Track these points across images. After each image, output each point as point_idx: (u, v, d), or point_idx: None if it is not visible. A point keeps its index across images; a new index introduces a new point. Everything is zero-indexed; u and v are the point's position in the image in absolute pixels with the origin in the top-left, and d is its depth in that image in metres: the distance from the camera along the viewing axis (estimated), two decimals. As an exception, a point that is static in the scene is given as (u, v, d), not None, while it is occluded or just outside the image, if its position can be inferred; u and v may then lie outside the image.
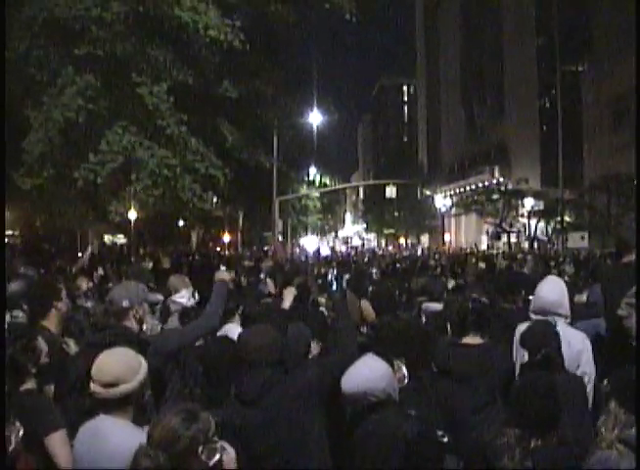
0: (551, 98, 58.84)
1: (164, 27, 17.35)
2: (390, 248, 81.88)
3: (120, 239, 45.60)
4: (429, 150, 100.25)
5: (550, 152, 53.49)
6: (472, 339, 5.94)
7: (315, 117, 40.92)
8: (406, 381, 4.69)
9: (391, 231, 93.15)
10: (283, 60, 27.07)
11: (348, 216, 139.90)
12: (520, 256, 34.42)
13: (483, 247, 61.22)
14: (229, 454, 3.47)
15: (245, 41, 17.11)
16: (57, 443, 4.41)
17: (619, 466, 3.85)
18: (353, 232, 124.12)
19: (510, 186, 62.75)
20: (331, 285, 15.74)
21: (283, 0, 20.36)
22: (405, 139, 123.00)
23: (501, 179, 66.83)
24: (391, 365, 4.67)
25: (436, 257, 38.75)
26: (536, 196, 54.07)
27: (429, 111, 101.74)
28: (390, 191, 65.06)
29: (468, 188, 72.31)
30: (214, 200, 21.12)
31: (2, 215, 13.52)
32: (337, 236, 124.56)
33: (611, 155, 43.62)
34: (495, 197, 61.67)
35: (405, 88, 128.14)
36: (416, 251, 61.30)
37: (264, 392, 4.73)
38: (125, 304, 5.55)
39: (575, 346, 6.02)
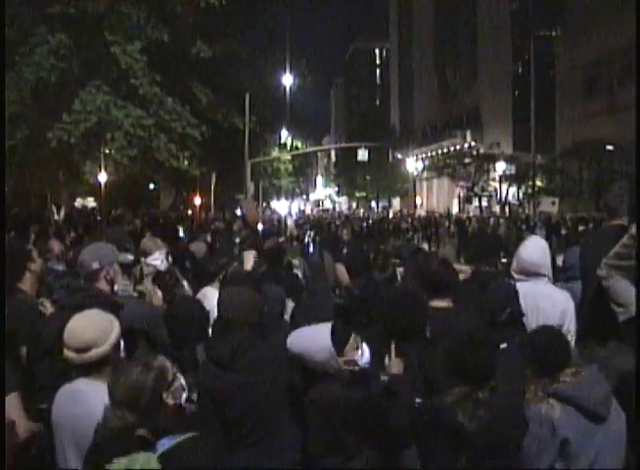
0: (524, 63, 58.85)
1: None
2: (361, 211, 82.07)
3: (90, 202, 45.25)
4: (401, 113, 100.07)
5: (522, 117, 53.55)
6: (440, 302, 5.93)
7: (288, 80, 40.68)
8: (364, 360, 4.55)
9: (363, 194, 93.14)
10: (257, 21, 26.80)
11: (320, 180, 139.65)
12: (492, 219, 34.68)
13: (455, 210, 61.45)
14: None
15: None
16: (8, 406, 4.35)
17: (555, 416, 3.96)
18: (325, 195, 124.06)
19: (482, 150, 62.80)
20: (307, 248, 15.77)
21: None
22: (377, 102, 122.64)
23: (473, 143, 66.81)
24: (356, 342, 4.54)
25: (409, 220, 38.92)
26: (508, 160, 54.22)
27: (401, 74, 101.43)
28: (362, 154, 64.68)
29: (440, 152, 72.32)
30: (187, 161, 20.98)
31: (2, 210, 13.41)
32: (308, 199, 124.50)
33: (583, 121, 43.74)
34: (467, 161, 61.80)
35: (378, 51, 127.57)
36: (388, 214, 61.44)
37: (240, 354, 4.69)
38: (96, 265, 5.48)
39: (559, 305, 6.03)
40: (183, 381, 3.54)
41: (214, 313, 5.10)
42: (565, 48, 47.06)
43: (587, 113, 43.61)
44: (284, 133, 61.67)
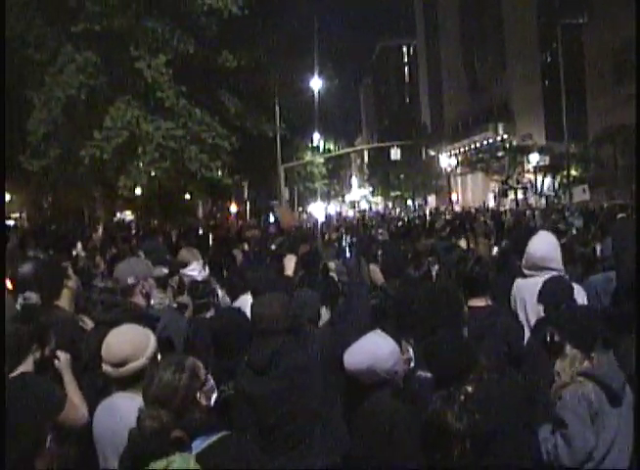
0: (552, 52, 58.29)
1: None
2: (397, 210, 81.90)
3: (128, 215, 45.56)
4: (431, 110, 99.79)
5: (553, 106, 53.09)
6: (478, 301, 5.92)
7: (316, 83, 40.68)
8: (412, 364, 4.61)
9: (398, 193, 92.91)
10: (281, 25, 26.84)
11: (354, 180, 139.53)
12: (528, 212, 34.45)
13: (491, 205, 61.05)
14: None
15: (243, 7, 17.07)
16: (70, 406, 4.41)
17: (591, 394, 4.09)
18: (360, 196, 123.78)
19: (514, 142, 62.42)
20: (344, 251, 15.75)
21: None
22: (407, 100, 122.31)
23: (505, 136, 66.40)
24: (399, 345, 4.58)
25: (444, 216, 38.71)
26: (541, 151, 53.83)
27: (429, 70, 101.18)
28: (395, 153, 64.45)
29: (472, 146, 72.04)
30: (220, 171, 21.07)
31: (2, 211, 13.55)
32: (344, 201, 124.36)
33: (614, 107, 43.32)
34: (500, 154, 61.47)
35: (405, 49, 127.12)
36: (424, 211, 61.26)
37: (275, 360, 4.75)
38: (131, 280, 5.56)
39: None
40: (213, 382, 3.59)
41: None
42: (592, 35, 46.72)
43: (618, 99, 43.16)
44: (316, 136, 61.70)
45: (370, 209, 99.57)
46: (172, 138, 17.36)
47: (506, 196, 59.28)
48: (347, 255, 14.34)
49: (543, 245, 6.49)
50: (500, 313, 5.87)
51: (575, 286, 6.31)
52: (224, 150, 18.48)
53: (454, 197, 77.51)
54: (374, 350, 4.37)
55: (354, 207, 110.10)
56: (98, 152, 17.06)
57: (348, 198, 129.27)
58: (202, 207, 44.00)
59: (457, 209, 60.92)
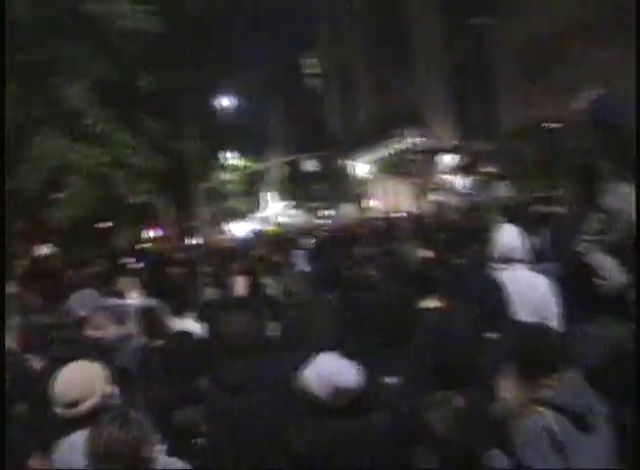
0: (459, 53, 59.19)
1: (78, 24, 17.04)
2: (318, 221, 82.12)
3: (47, 249, 44.67)
4: (343, 120, 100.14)
5: (464, 106, 53.88)
6: (429, 302, 5.96)
7: (229, 102, 40.78)
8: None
9: (315, 205, 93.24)
10: (197, 46, 26.83)
11: (272, 196, 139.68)
12: (451, 211, 34.93)
13: (411, 208, 61.53)
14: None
15: (160, 27, 16.98)
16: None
17: (552, 425, 3.83)
18: (277, 210, 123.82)
19: (428, 144, 63.10)
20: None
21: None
22: (318, 112, 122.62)
23: (418, 139, 67.07)
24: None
25: (368, 223, 38.92)
26: (455, 151, 54.55)
27: (338, 80, 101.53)
28: (311, 165, 64.79)
29: (386, 152, 72.53)
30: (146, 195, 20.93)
31: (2, 213, 13.25)
32: (263, 217, 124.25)
33: (524, 103, 44.16)
34: (414, 157, 62.05)
35: (312, 61, 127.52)
36: (346, 220, 61.42)
37: (247, 377, 4.74)
38: (83, 313, 5.46)
39: (540, 288, 6.13)
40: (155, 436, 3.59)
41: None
42: (499, 34, 47.57)
43: (528, 95, 44.08)
44: (232, 154, 61.74)
45: (288, 223, 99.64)
46: (102, 165, 17.16)
47: (424, 198, 59.87)
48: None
49: (511, 236, 6.61)
50: (452, 314, 5.93)
51: (542, 276, 6.41)
52: (153, 172, 18.34)
53: (372, 203, 78.07)
54: (337, 374, 4.39)
55: (273, 222, 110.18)
56: (25, 184, 16.76)
57: (267, 213, 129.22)
58: (124, 234, 43.57)
59: (378, 215, 61.29)
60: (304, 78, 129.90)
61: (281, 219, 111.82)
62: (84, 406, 3.96)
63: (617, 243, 6.50)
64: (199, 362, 5.34)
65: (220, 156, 54.14)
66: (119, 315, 7.04)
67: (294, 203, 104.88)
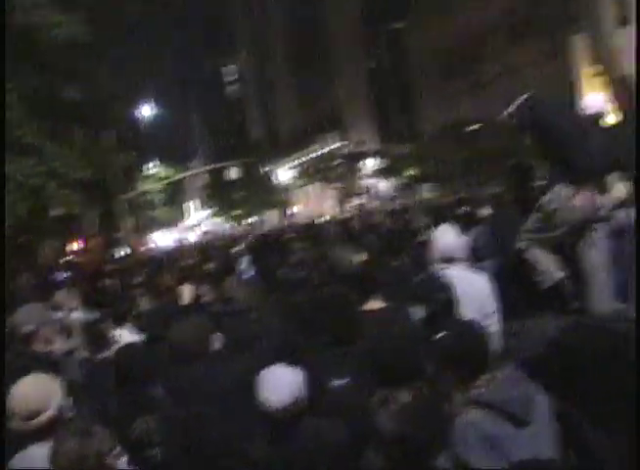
0: (377, 57, 59.73)
1: (9, 36, 16.73)
2: (241, 229, 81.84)
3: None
4: (263, 126, 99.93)
5: (384, 110, 54.34)
6: (372, 304, 6.02)
7: (149, 110, 40.46)
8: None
9: (238, 212, 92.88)
10: (121, 55, 26.63)
11: (193, 204, 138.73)
12: (378, 214, 35.12)
13: (334, 212, 61.74)
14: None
15: (89, 34, 16.79)
16: None
17: (480, 421, 3.89)
18: (200, 219, 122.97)
19: (350, 149, 63.42)
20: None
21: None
22: (239, 119, 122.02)
23: (339, 144, 67.39)
24: None
25: (292, 229, 38.86)
26: (377, 155, 55.02)
27: (258, 87, 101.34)
28: (233, 172, 64.51)
29: (308, 158, 72.69)
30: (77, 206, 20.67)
31: (2, 217, 12.89)
32: (185, 225, 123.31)
33: (443, 105, 44.83)
34: (337, 162, 62.32)
35: (232, 67, 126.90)
36: (270, 227, 61.40)
37: (199, 384, 4.74)
38: (30, 327, 5.39)
39: (477, 286, 6.23)
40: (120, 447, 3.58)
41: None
42: (416, 37, 48.14)
43: (446, 97, 44.75)
44: (153, 163, 61.28)
45: (212, 231, 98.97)
46: (36, 175, 16.88)
47: (347, 203, 60.15)
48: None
49: (449, 236, 6.69)
50: (398, 315, 5.98)
51: (482, 274, 6.53)
52: (83, 183, 18.13)
53: (296, 209, 78.23)
54: (290, 384, 4.42)
55: (197, 230, 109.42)
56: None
57: (189, 222, 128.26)
58: (49, 247, 42.82)
59: (301, 220, 61.38)
60: (225, 86, 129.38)
61: (205, 228, 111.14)
62: (41, 419, 3.93)
63: (555, 240, 6.70)
64: (150, 372, 5.31)
65: (142, 166, 53.76)
66: (65, 329, 6.97)
67: (217, 211, 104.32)
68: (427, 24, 45.93)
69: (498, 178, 33.06)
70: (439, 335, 4.26)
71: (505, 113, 6.94)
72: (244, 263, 14.10)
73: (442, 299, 5.46)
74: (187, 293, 8.05)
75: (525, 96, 6.69)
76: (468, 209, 16.20)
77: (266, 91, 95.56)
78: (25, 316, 5.41)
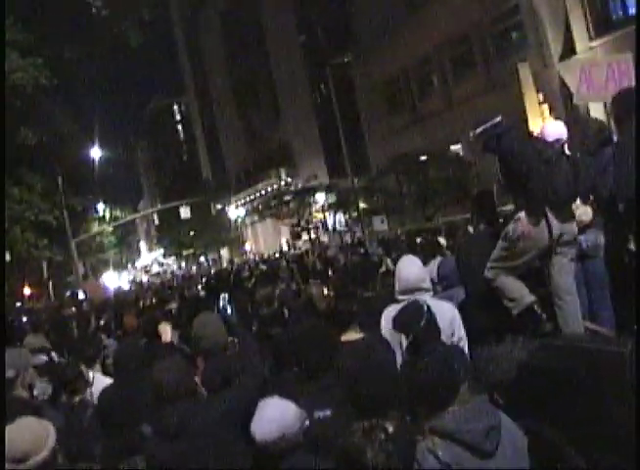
0: (323, 92, 59.98)
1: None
2: (193, 268, 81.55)
3: None
4: (212, 164, 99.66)
5: (332, 145, 54.46)
6: (350, 335, 6.09)
7: (96, 152, 40.27)
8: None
9: (190, 251, 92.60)
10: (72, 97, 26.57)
11: (144, 245, 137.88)
12: (333, 248, 35.36)
13: (284, 248, 61.71)
14: None
15: (50, 78, 16.75)
16: None
17: (438, 451, 3.90)
18: (151, 260, 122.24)
19: (299, 185, 63.62)
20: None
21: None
22: (186, 157, 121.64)
23: (289, 180, 67.56)
24: None
25: (246, 267, 38.87)
26: (327, 189, 55.24)
27: (204, 125, 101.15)
28: (184, 212, 64.19)
29: (258, 194, 72.74)
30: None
31: (2, 218, 12.68)
32: (135, 267, 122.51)
33: (391, 137, 45.03)
34: (287, 198, 62.45)
35: (176, 107, 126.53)
36: (221, 266, 61.30)
37: (186, 422, 4.76)
38: (11, 373, 5.36)
39: (446, 314, 6.35)
40: None
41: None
42: (360, 71, 48.45)
43: (393, 129, 45.03)
44: (100, 206, 60.90)
45: (164, 271, 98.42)
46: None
47: (299, 238, 60.18)
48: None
49: (413, 267, 6.80)
50: (374, 345, 6.05)
51: (448, 303, 6.65)
52: (50, 226, 18.05)
53: (247, 247, 78.11)
54: (280, 418, 4.43)
55: (147, 271, 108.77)
56: None
57: (139, 263, 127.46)
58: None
59: (251, 257, 61.35)
60: (173, 124, 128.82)
61: (156, 268, 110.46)
62: (34, 461, 3.94)
63: (523, 267, 6.84)
64: (135, 413, 5.32)
65: (93, 208, 53.43)
66: (44, 373, 6.92)
67: (168, 251, 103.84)
68: (369, 58, 46.27)
69: (449, 208, 33.66)
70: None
71: (471, 133, 7.05)
72: (222, 301, 14.09)
73: (424, 326, 5.55)
74: (168, 332, 8.05)
75: (495, 120, 6.81)
76: (428, 238, 16.43)
77: (213, 129, 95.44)
78: (9, 361, 5.38)
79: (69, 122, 24.25)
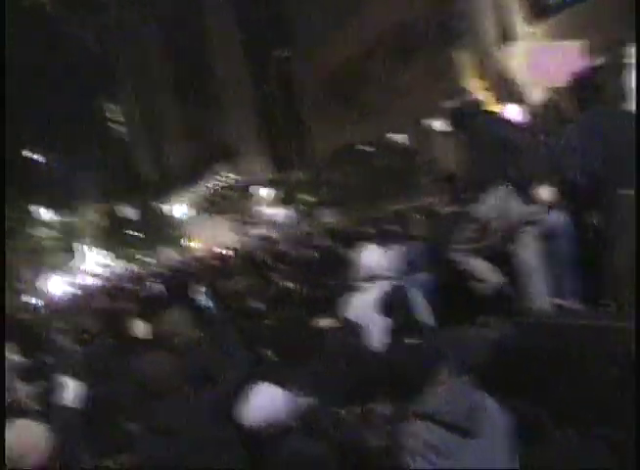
0: (265, 87, 59.73)
1: None
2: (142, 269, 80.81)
3: None
4: (153, 163, 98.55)
5: (275, 139, 54.32)
6: (325, 320, 6.12)
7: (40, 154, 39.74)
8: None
9: (133, 251, 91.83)
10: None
11: (87, 247, 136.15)
12: (282, 243, 35.25)
13: (236, 244, 61.36)
14: None
15: None
16: None
17: (419, 432, 3.96)
18: (95, 261, 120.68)
19: (243, 180, 63.35)
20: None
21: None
22: (125, 158, 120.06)
23: (232, 175, 67.22)
24: None
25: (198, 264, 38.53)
26: (271, 184, 55.11)
27: (142, 124, 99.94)
28: (126, 211, 63.54)
29: (202, 191, 72.28)
30: None
31: (2, 216, 12.37)
32: (80, 269, 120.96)
33: (334, 131, 45.01)
34: (231, 194, 62.18)
35: (113, 107, 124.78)
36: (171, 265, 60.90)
37: (178, 419, 4.74)
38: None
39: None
40: None
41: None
42: (301, 66, 48.37)
43: (338, 122, 45.01)
44: (44, 209, 60.29)
45: (112, 273, 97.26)
46: None
47: (247, 234, 59.93)
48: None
49: (374, 255, 6.84)
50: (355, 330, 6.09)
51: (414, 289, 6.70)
52: None
53: (194, 244, 77.49)
54: (270, 403, 4.44)
55: (93, 274, 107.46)
56: None
57: (84, 265, 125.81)
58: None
59: (201, 254, 60.90)
60: (112, 124, 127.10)
61: (99, 270, 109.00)
62: (31, 463, 3.92)
63: (490, 248, 6.93)
64: (118, 411, 5.26)
65: (32, 211, 52.76)
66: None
67: (111, 252, 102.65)
68: (309, 53, 46.22)
69: (399, 196, 33.78)
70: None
71: (444, 106, 7.12)
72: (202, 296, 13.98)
73: (406, 311, 5.59)
74: (142, 328, 7.97)
75: (467, 99, 6.90)
76: (380, 226, 16.46)
77: (153, 126, 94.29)
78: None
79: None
